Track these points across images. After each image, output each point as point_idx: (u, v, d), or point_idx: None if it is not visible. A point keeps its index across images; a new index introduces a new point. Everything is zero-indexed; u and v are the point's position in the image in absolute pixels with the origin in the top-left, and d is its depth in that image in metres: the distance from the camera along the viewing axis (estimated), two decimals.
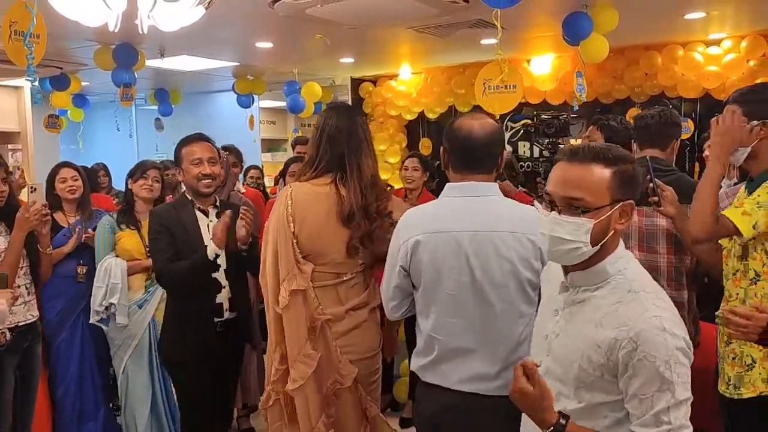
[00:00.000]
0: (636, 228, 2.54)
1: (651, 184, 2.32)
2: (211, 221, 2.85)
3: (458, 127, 1.98)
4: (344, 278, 2.36)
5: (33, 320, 3.01)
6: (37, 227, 2.88)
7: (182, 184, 3.01)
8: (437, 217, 1.97)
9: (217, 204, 2.94)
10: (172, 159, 5.42)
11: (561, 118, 4.96)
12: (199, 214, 2.85)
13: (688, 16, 4.40)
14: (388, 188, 2.47)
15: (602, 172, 1.40)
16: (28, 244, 2.92)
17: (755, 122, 2.14)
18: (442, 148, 2.06)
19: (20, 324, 2.93)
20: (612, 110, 6.06)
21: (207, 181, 2.82)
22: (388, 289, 2.08)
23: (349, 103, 7.03)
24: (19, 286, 2.90)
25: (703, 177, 2.20)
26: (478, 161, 1.96)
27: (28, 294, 3.01)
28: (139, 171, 3.56)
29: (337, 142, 2.34)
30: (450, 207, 1.97)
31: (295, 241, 2.29)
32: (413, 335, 4.33)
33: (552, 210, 1.43)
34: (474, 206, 1.94)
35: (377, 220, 2.34)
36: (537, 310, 1.74)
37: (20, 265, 2.92)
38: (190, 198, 2.88)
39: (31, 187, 2.88)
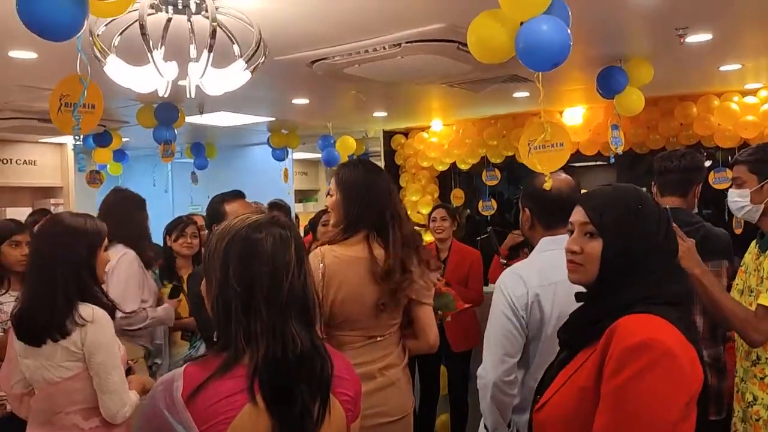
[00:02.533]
0: None
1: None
2: None
3: (545, 189, 2.14)
4: (377, 339, 2.30)
5: None
6: None
7: None
8: (547, 270, 2.01)
9: None
10: (205, 214, 5.52)
11: None
12: None
13: (723, 68, 4.40)
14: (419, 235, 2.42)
15: None
16: None
17: (766, 180, 2.27)
18: (526, 210, 2.18)
19: None
20: (646, 160, 6.04)
21: None
22: (497, 362, 1.99)
23: (381, 154, 7.12)
24: None
25: (710, 291, 2.22)
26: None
27: None
28: (177, 229, 3.63)
29: (372, 200, 2.29)
30: (555, 259, 2.03)
31: (321, 309, 2.18)
32: (457, 391, 4.29)
33: None
34: None
35: (420, 270, 2.29)
36: None
37: None
38: None
39: None
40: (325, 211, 4.15)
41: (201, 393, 1.24)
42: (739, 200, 2.34)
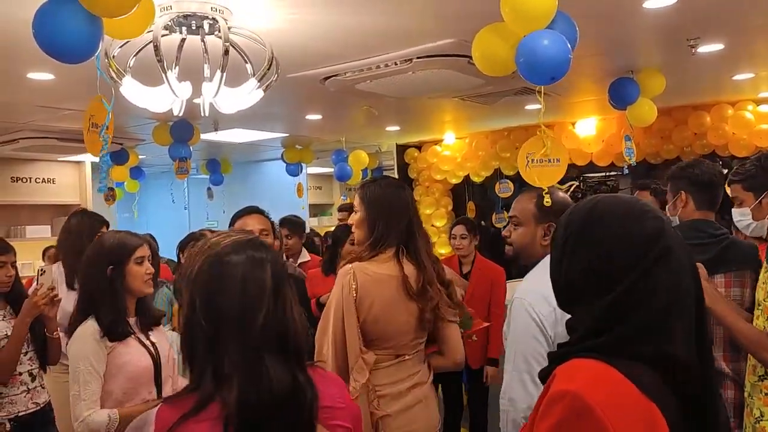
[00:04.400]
0: None
1: None
2: None
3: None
4: (405, 358, 2.27)
5: (35, 409, 2.85)
6: (44, 311, 2.74)
7: None
8: None
9: None
10: (211, 228, 5.55)
11: (609, 183, 4.94)
12: None
13: (736, 78, 4.39)
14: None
15: None
16: (33, 329, 2.82)
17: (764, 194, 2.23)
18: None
19: (20, 414, 2.79)
20: (660, 170, 6.02)
21: None
22: (521, 387, 1.85)
23: (395, 168, 7.15)
24: (20, 374, 2.81)
25: (719, 317, 2.21)
26: None
27: (32, 381, 2.86)
28: (188, 246, 3.66)
29: (399, 216, 2.26)
30: None
31: (359, 328, 2.16)
32: (476, 405, 4.26)
33: None
34: None
35: (446, 287, 2.30)
36: None
37: (24, 351, 2.82)
38: None
39: (41, 270, 2.77)
40: (346, 226, 4.14)
41: None
42: (742, 219, 2.33)
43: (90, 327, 2.20)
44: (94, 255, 2.30)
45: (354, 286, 2.16)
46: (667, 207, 2.66)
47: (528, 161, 2.75)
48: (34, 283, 2.81)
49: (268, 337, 1.16)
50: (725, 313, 2.21)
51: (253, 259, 1.19)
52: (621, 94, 3.94)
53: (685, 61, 3.74)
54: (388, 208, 2.27)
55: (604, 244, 1.11)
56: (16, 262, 2.92)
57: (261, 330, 1.15)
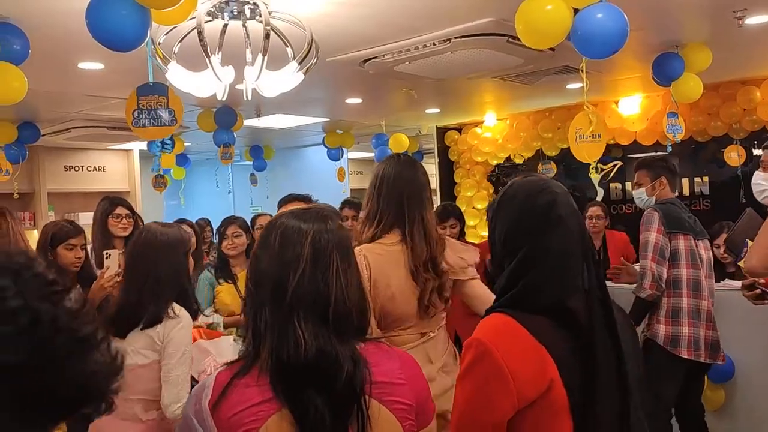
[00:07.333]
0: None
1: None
2: None
3: None
4: (431, 335, 2.20)
5: None
6: (111, 293, 2.82)
7: None
8: None
9: None
10: (264, 212, 5.67)
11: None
12: None
13: None
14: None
15: None
16: (102, 310, 2.88)
17: None
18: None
19: None
20: (708, 148, 5.87)
21: None
22: None
23: (435, 151, 7.15)
24: None
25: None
26: None
27: None
28: (219, 232, 3.78)
29: (390, 191, 2.18)
30: None
31: (373, 309, 2.03)
32: None
33: None
34: None
35: (439, 277, 2.18)
36: None
37: None
38: None
39: (106, 254, 2.86)
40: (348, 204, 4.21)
41: (224, 400, 1.16)
42: (762, 183, 2.37)
43: (185, 311, 2.29)
44: (173, 243, 2.32)
45: (367, 266, 2.07)
46: (643, 188, 3.12)
47: (577, 137, 2.84)
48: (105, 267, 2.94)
49: (302, 303, 1.18)
50: None
51: (293, 229, 1.24)
52: (665, 70, 3.85)
53: (732, 34, 3.64)
54: (381, 183, 2.20)
55: (512, 217, 1.36)
56: (86, 244, 3.07)
57: (293, 294, 1.18)
